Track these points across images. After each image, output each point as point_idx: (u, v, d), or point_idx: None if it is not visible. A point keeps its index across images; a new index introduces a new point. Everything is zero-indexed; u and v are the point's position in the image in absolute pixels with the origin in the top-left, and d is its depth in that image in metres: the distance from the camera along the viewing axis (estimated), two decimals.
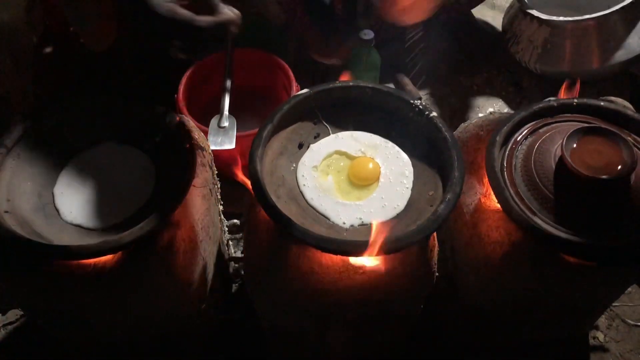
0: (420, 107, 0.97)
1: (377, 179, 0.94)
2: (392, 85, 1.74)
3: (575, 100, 1.03)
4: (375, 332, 1.09)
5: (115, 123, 1.01)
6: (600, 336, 1.34)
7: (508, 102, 1.79)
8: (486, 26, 2.05)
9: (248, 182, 0.90)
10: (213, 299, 1.11)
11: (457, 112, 1.75)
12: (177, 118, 0.97)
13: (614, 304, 1.38)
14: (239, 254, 1.42)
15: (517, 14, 1.77)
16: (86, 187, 0.94)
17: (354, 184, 0.94)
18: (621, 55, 1.62)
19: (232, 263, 1.39)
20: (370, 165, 0.95)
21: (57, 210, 0.92)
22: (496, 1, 2.15)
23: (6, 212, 0.88)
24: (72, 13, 1.39)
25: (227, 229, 1.40)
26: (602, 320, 1.36)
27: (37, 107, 0.98)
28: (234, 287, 1.39)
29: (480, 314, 1.16)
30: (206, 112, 1.57)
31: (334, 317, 1.00)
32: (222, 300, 1.28)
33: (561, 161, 0.91)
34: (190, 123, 1.04)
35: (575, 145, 0.92)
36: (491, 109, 1.77)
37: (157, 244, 0.88)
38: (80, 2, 1.34)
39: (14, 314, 1.35)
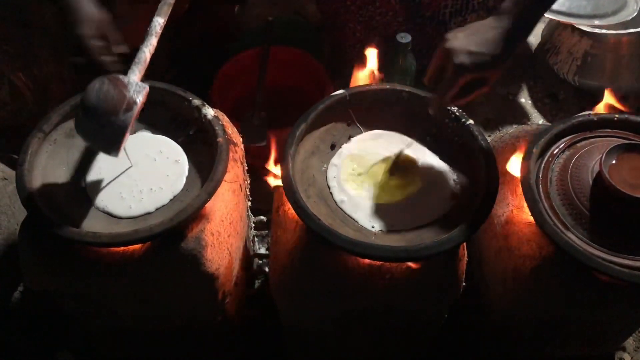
0: (457, 114, 0.96)
1: (417, 184, 0.93)
2: None
3: (616, 116, 1.00)
4: (396, 339, 1.09)
5: (151, 114, 1.01)
6: (627, 358, 1.31)
7: (543, 114, 1.76)
8: None
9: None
10: (236, 294, 1.12)
11: (491, 121, 1.73)
12: (213, 112, 0.97)
13: None
14: (263, 251, 1.42)
15: (558, 25, 1.74)
16: (119, 176, 0.95)
17: (390, 186, 0.93)
18: None
19: (256, 259, 1.40)
20: (414, 169, 0.94)
21: (89, 197, 0.93)
22: None
23: (41, 196, 0.89)
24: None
25: (253, 225, 1.41)
26: (629, 342, 1.33)
27: (75, 94, 0.99)
28: (257, 283, 1.39)
29: (504, 327, 1.14)
30: (239, 108, 1.58)
31: (355, 321, 1.00)
32: (245, 296, 1.28)
33: (599, 177, 0.89)
34: (225, 118, 1.05)
35: (614, 162, 0.90)
36: (526, 120, 1.74)
37: (186, 236, 0.89)
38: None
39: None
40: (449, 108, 0.96)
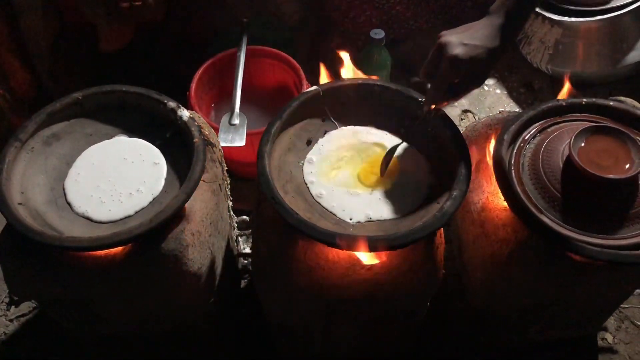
0: None
1: (393, 175, 0.95)
2: None
3: (584, 100, 1.03)
4: (381, 330, 1.10)
5: (128, 118, 1.02)
6: (609, 337, 1.34)
7: (519, 103, 1.79)
8: None
9: None
10: (222, 293, 1.13)
11: (468, 112, 1.75)
12: (188, 114, 0.98)
13: (623, 306, 1.37)
14: (247, 250, 1.43)
15: None
16: (97, 180, 0.95)
17: (365, 178, 0.95)
18: (634, 57, 1.61)
19: (241, 259, 1.40)
20: (387, 160, 0.95)
21: (69, 203, 0.93)
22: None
23: (20, 204, 0.89)
24: (90, 14, 1.42)
25: (236, 224, 1.41)
26: (610, 322, 1.35)
27: (51, 101, 0.99)
28: (243, 283, 1.40)
29: (487, 313, 1.16)
30: (217, 109, 1.59)
31: (339, 313, 1.01)
32: (231, 296, 1.29)
33: (569, 160, 0.91)
34: (201, 119, 1.05)
35: (583, 144, 0.92)
36: (500, 110, 1.76)
37: (167, 237, 0.89)
38: (99, 4, 1.37)
39: (26, 307, 1.38)
40: (420, 99, 0.98)
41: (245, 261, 1.41)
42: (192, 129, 0.96)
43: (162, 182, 0.95)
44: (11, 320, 1.36)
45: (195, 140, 0.94)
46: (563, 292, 1.00)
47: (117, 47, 1.54)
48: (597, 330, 1.33)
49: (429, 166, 0.96)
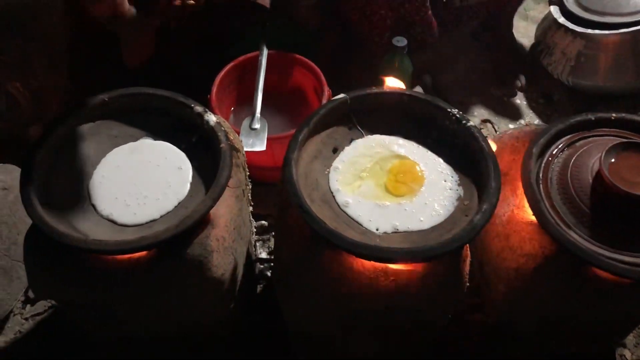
0: (458, 115, 0.97)
1: (420, 186, 0.94)
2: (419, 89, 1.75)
3: (613, 115, 1.02)
4: (401, 340, 1.09)
5: (153, 120, 1.02)
6: (628, 354, 1.32)
7: (538, 114, 1.78)
8: (518, 37, 2.03)
9: None
10: (241, 298, 1.12)
11: (487, 122, 1.74)
12: (215, 119, 0.97)
13: None
14: (264, 255, 1.43)
15: (550, 26, 1.76)
16: (122, 183, 0.95)
17: (393, 189, 0.94)
18: None
19: (258, 264, 1.40)
20: (416, 170, 0.95)
21: (93, 205, 0.93)
22: (529, 12, 2.14)
23: (45, 205, 0.89)
24: (118, 31, 1.42)
25: (255, 230, 1.41)
26: (630, 339, 1.34)
27: (75, 104, 0.99)
28: (258, 288, 1.39)
29: (507, 326, 1.15)
30: (236, 113, 1.58)
31: (361, 323, 1.00)
32: (247, 301, 1.29)
33: (599, 175, 0.91)
34: (226, 124, 1.05)
35: (613, 160, 0.91)
36: (522, 121, 1.76)
37: (192, 242, 0.89)
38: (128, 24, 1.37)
39: (42, 306, 1.37)
40: (449, 110, 0.97)
41: (262, 266, 1.40)
42: (219, 134, 0.95)
43: (188, 187, 0.95)
44: (26, 319, 1.36)
45: (222, 145, 0.94)
46: (587, 309, 0.99)
47: (143, 59, 1.53)
48: (616, 347, 1.32)
49: (457, 178, 0.95)
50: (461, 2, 1.65)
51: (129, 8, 1.29)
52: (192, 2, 1.36)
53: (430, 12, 1.62)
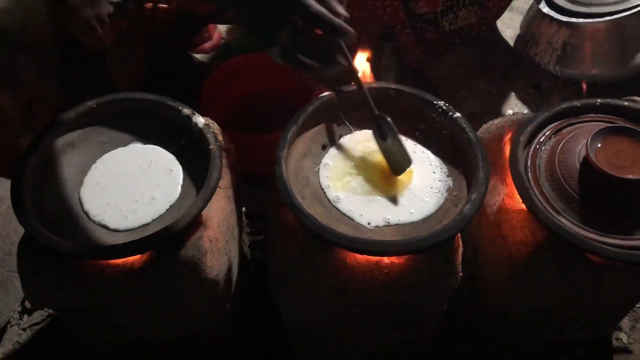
0: (444, 107, 0.97)
1: (410, 178, 0.94)
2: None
3: (599, 100, 1.03)
4: (398, 334, 1.10)
5: (142, 125, 1.02)
6: (624, 337, 1.33)
7: (528, 105, 1.79)
8: (504, 28, 2.05)
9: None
10: (237, 299, 1.12)
11: (477, 115, 1.75)
12: (204, 121, 0.98)
13: (637, 305, 1.37)
14: (259, 255, 1.43)
15: (536, 16, 1.77)
16: (114, 188, 0.95)
17: (382, 182, 0.95)
18: None
19: (253, 264, 1.40)
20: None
21: (85, 212, 0.93)
22: (514, 3, 2.14)
23: (37, 213, 0.89)
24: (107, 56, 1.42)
25: (248, 230, 1.41)
26: (625, 322, 1.35)
27: (64, 110, 1.00)
28: (254, 288, 1.40)
29: (503, 315, 1.15)
30: (227, 116, 1.59)
31: (358, 318, 1.01)
32: (245, 301, 1.29)
33: (586, 161, 0.91)
34: (215, 125, 1.06)
35: (599, 145, 0.92)
36: (511, 111, 1.77)
37: (185, 244, 0.89)
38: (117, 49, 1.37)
39: (39, 315, 1.38)
40: (436, 102, 0.98)
41: (257, 266, 1.40)
42: (208, 135, 0.96)
43: (179, 189, 0.95)
44: (24, 329, 1.36)
45: (212, 147, 0.94)
46: (581, 293, 1.00)
47: (132, 84, 1.52)
48: (612, 331, 1.33)
49: (446, 169, 0.96)
50: (450, 26, 1.66)
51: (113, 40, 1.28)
52: (165, 6, 1.34)
53: (412, 37, 1.63)
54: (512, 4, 2.11)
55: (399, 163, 0.93)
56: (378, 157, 0.97)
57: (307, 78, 1.11)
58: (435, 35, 1.66)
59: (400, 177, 0.94)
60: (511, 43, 1.98)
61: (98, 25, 1.08)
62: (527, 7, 1.92)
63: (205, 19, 1.55)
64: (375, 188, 0.94)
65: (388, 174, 0.95)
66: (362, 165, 0.97)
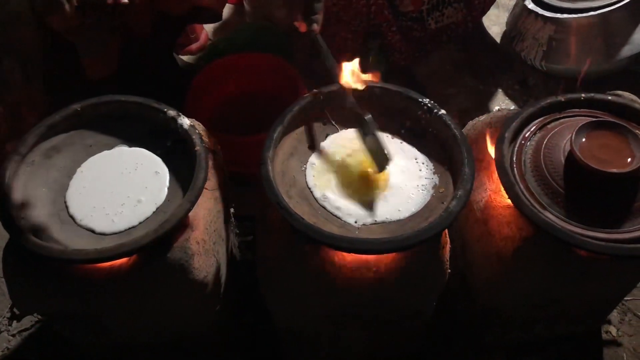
0: (429, 105, 0.98)
1: (396, 176, 0.94)
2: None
3: (583, 95, 1.03)
4: (388, 332, 1.10)
5: (128, 128, 1.02)
6: (613, 330, 1.34)
7: (514, 101, 1.80)
8: (490, 24, 2.05)
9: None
10: (227, 301, 1.12)
11: (464, 111, 1.76)
12: (189, 122, 0.98)
13: (625, 298, 1.38)
14: (249, 256, 1.43)
15: (521, 12, 1.78)
16: (99, 192, 0.95)
17: (369, 181, 0.95)
18: (627, 51, 1.62)
19: (243, 265, 1.40)
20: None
21: (71, 216, 0.93)
22: (500, 0, 2.15)
23: (22, 218, 0.89)
24: (77, 42, 1.41)
25: (237, 231, 1.41)
26: (614, 315, 1.36)
27: (49, 114, 0.99)
28: (246, 289, 1.39)
29: (492, 311, 1.16)
30: (214, 117, 1.58)
31: (348, 317, 1.01)
32: (235, 303, 1.29)
33: (571, 155, 0.92)
34: (201, 126, 1.05)
35: (584, 140, 0.92)
36: (497, 108, 1.77)
37: (172, 246, 0.89)
38: (87, 33, 1.35)
39: (28, 320, 1.37)
40: (421, 100, 0.98)
41: (248, 267, 1.40)
42: (193, 136, 0.96)
43: (165, 191, 0.94)
44: (13, 335, 1.35)
45: (197, 148, 0.94)
46: (569, 288, 1.01)
47: (104, 74, 1.51)
48: (602, 324, 1.34)
49: (432, 166, 0.96)
50: (436, 24, 1.66)
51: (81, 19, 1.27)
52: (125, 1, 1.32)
53: (399, 36, 1.63)
54: (498, 1, 2.13)
55: (379, 160, 0.94)
56: (364, 155, 0.98)
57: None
58: (421, 33, 1.67)
59: (386, 176, 0.94)
60: (498, 40, 1.99)
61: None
62: (512, 3, 1.93)
63: (184, 19, 1.54)
64: (361, 186, 0.95)
65: (373, 172, 0.95)
66: (350, 164, 0.97)
